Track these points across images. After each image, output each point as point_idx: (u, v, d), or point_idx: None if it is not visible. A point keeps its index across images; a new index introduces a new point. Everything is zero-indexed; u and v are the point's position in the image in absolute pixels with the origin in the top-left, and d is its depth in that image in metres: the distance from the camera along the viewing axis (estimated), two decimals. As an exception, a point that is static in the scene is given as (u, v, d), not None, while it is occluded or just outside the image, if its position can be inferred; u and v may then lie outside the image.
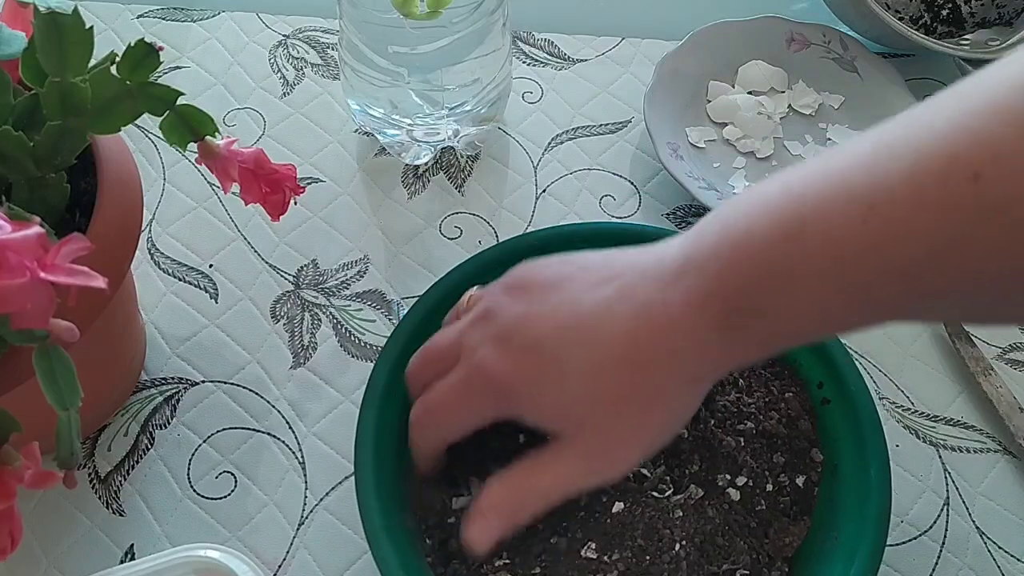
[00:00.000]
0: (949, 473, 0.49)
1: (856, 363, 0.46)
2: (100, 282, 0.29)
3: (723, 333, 0.32)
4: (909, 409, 0.51)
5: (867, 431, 0.42)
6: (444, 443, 0.40)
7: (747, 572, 0.41)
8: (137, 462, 0.48)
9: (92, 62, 0.36)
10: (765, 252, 0.30)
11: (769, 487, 0.42)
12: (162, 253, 0.55)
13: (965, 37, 0.64)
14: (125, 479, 0.47)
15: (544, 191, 0.58)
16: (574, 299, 0.35)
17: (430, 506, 0.42)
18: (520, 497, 0.36)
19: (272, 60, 0.63)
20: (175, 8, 0.65)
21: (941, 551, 0.46)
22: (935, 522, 0.47)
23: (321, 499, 0.47)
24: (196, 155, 0.40)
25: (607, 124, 0.61)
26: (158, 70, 0.37)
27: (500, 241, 0.54)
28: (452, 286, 0.46)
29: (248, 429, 0.49)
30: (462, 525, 0.37)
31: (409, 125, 0.55)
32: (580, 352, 0.34)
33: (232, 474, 0.48)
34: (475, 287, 0.42)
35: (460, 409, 0.37)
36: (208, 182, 0.57)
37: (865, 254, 0.28)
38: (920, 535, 0.47)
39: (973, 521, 0.47)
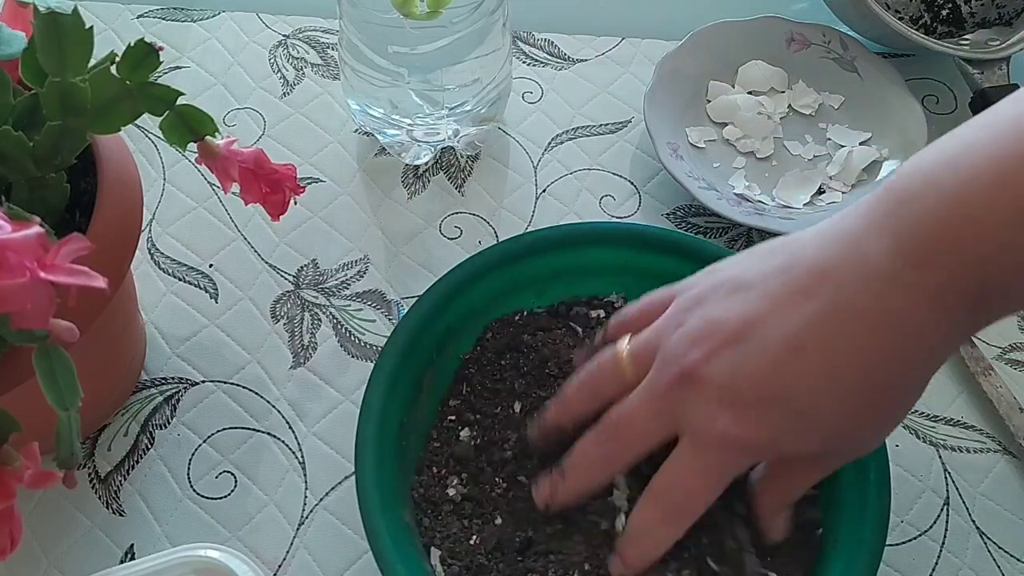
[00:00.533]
0: (949, 473, 0.49)
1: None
2: (100, 282, 0.29)
3: (969, 319, 0.30)
4: (909, 409, 0.51)
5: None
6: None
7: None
8: (137, 462, 0.48)
9: (92, 62, 0.36)
10: (1008, 228, 0.28)
11: None
12: (162, 253, 0.55)
13: (965, 37, 0.64)
14: (125, 479, 0.47)
15: (544, 191, 0.58)
16: (778, 328, 0.33)
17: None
18: (785, 494, 0.38)
19: (272, 60, 0.63)
20: (175, 8, 0.65)
21: (941, 551, 0.46)
22: (935, 522, 0.47)
23: (321, 499, 0.47)
24: (196, 155, 0.40)
25: (607, 124, 0.61)
26: (158, 70, 0.37)
27: (500, 240, 0.54)
28: (455, 285, 0.46)
29: (248, 429, 0.49)
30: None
31: (409, 125, 0.55)
32: (817, 385, 0.32)
33: (232, 474, 0.48)
34: (624, 340, 0.39)
35: (711, 487, 0.35)
36: (208, 182, 0.57)
37: None
38: (920, 535, 0.47)
39: (973, 521, 0.47)
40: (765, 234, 0.56)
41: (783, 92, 0.62)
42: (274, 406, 0.50)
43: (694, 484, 0.35)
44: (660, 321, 0.37)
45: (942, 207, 0.29)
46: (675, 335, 0.35)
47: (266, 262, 0.54)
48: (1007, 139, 0.28)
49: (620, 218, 0.57)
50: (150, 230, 0.55)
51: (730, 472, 0.35)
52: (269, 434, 0.49)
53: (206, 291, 0.53)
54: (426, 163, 0.58)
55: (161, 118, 0.38)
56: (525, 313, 0.49)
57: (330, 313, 0.53)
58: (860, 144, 0.59)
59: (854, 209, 0.33)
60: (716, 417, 0.34)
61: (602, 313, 0.49)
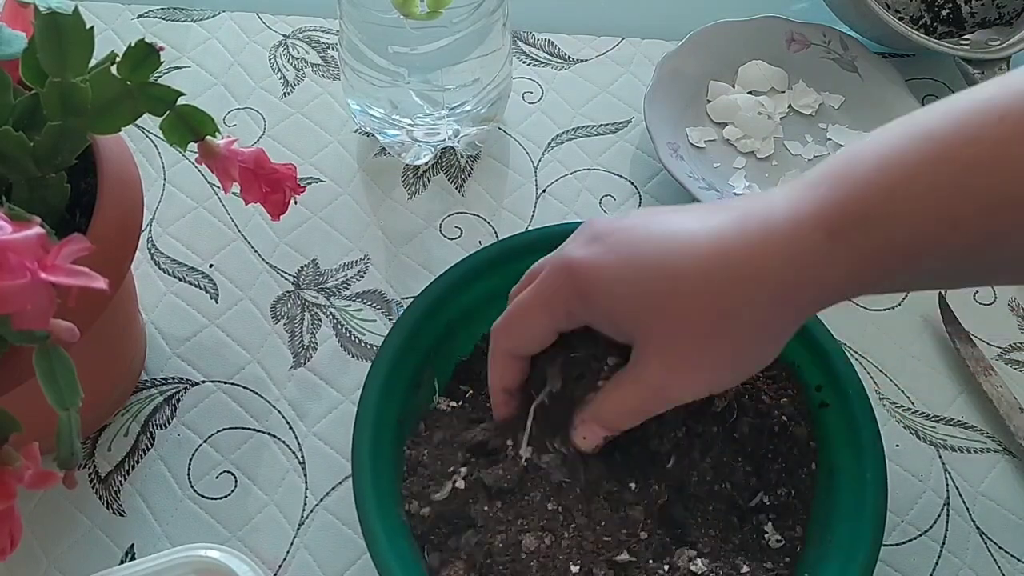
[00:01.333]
0: (949, 473, 0.49)
1: (856, 364, 0.46)
2: (100, 282, 0.29)
3: (827, 244, 0.30)
4: (909, 409, 0.51)
5: (864, 434, 0.42)
6: (514, 351, 0.39)
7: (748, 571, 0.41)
8: (137, 462, 0.48)
9: (92, 62, 0.36)
10: (884, 159, 0.29)
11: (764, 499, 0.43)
12: (162, 253, 0.55)
13: (965, 37, 0.64)
14: (125, 479, 0.47)
15: (544, 191, 0.58)
16: (680, 214, 0.34)
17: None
18: (606, 410, 0.37)
19: (272, 60, 0.63)
20: (175, 8, 0.65)
21: (941, 551, 0.46)
22: (935, 522, 0.47)
23: (321, 499, 0.47)
24: (196, 155, 0.40)
25: (607, 124, 0.61)
26: (158, 70, 0.37)
27: (500, 239, 0.54)
28: (453, 283, 0.46)
29: (248, 429, 0.49)
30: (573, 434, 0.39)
31: (409, 125, 0.55)
32: (670, 252, 0.33)
33: (232, 474, 0.48)
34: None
35: (537, 309, 0.36)
36: (208, 182, 0.57)
37: (1000, 155, 0.27)
38: (920, 535, 0.47)
39: (973, 521, 0.47)
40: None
41: (783, 92, 0.62)
42: (274, 406, 0.50)
43: (525, 300, 0.37)
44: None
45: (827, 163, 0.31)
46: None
47: (266, 262, 0.54)
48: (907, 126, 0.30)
49: (620, 218, 0.57)
50: (150, 230, 0.55)
51: (554, 301, 0.36)
52: (269, 434, 0.49)
53: (206, 291, 0.53)
54: (426, 163, 0.58)
55: (161, 118, 0.38)
56: None
57: (330, 313, 0.53)
58: (860, 144, 0.59)
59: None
60: (574, 243, 0.36)
61: None
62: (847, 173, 0.30)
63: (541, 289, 0.36)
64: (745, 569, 0.40)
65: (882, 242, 0.30)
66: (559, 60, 0.64)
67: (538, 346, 0.38)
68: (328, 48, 0.64)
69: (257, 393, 0.50)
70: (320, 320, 0.53)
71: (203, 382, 0.50)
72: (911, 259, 0.30)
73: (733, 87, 0.62)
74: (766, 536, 0.42)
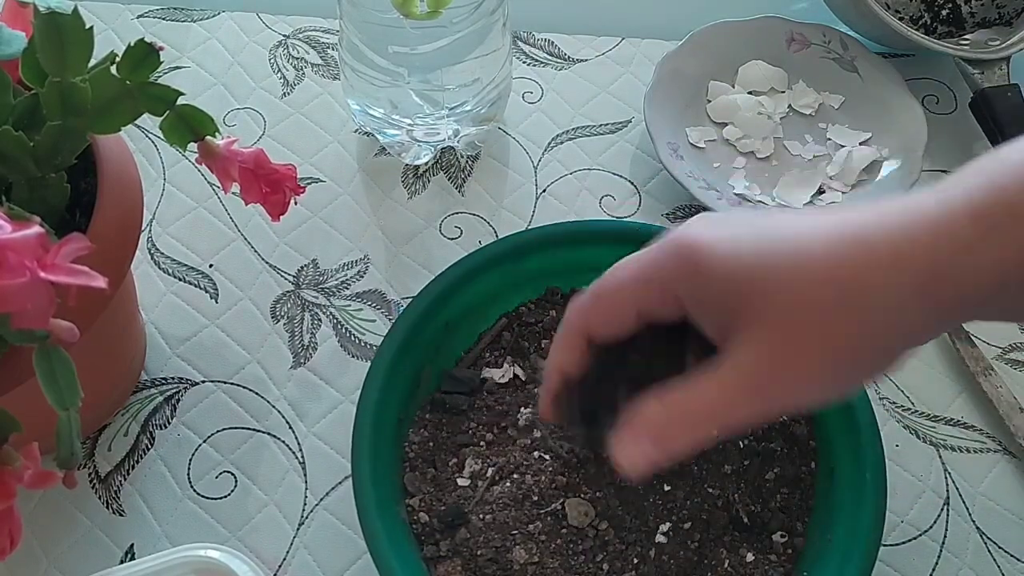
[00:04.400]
0: (949, 473, 0.49)
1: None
2: (100, 282, 0.29)
3: (977, 232, 0.27)
4: (909, 409, 0.51)
5: (864, 435, 0.42)
6: (591, 330, 0.34)
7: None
8: (137, 462, 0.48)
9: (92, 62, 0.36)
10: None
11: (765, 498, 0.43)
12: (162, 253, 0.55)
13: (965, 37, 0.64)
14: (125, 479, 0.47)
15: (544, 191, 0.58)
16: (794, 214, 0.31)
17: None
18: (674, 420, 0.30)
19: (272, 60, 0.63)
20: (175, 8, 0.65)
21: (941, 551, 0.46)
22: (935, 522, 0.47)
23: (321, 499, 0.47)
24: (196, 155, 0.40)
25: (607, 124, 0.61)
26: (158, 70, 0.37)
27: (499, 237, 0.54)
28: (452, 282, 0.46)
29: (248, 429, 0.49)
30: (613, 443, 0.32)
31: (409, 125, 0.55)
32: (793, 230, 0.29)
33: (232, 474, 0.48)
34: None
35: (633, 283, 0.32)
36: (208, 182, 0.57)
37: None
38: (920, 535, 0.47)
39: (973, 521, 0.47)
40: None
41: (783, 92, 0.62)
42: (274, 406, 0.50)
43: (623, 267, 0.33)
44: None
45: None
46: None
47: (266, 262, 0.54)
48: None
49: (620, 218, 0.57)
50: (150, 230, 0.55)
51: (653, 271, 0.32)
52: (269, 434, 0.49)
53: (206, 291, 0.53)
54: (426, 163, 0.58)
55: (161, 118, 0.38)
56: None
57: (330, 313, 0.53)
58: (860, 144, 0.59)
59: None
60: (685, 226, 0.32)
61: None
62: (997, 168, 0.28)
63: (643, 263, 0.32)
64: (751, 558, 0.41)
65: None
66: (559, 60, 0.64)
67: (618, 329, 0.33)
68: (328, 48, 0.64)
69: (257, 393, 0.50)
70: (320, 320, 0.53)
71: (203, 382, 0.50)
72: None
73: (733, 87, 0.62)
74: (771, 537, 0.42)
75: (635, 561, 0.40)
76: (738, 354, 0.29)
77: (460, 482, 0.43)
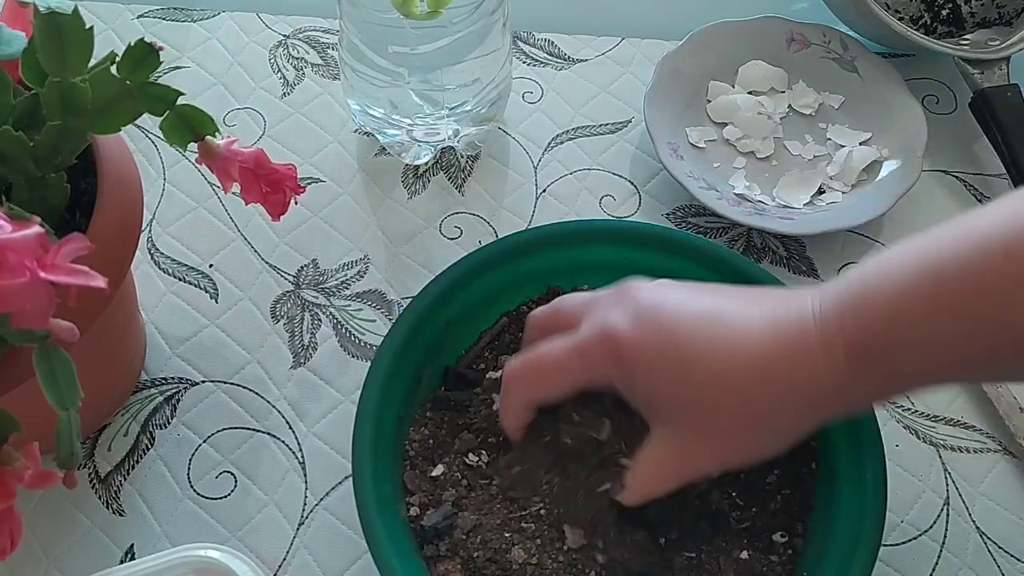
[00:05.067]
0: (949, 473, 0.49)
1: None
2: (100, 282, 0.29)
3: (852, 371, 0.34)
4: (909, 409, 0.51)
5: (864, 434, 0.42)
6: (535, 401, 0.40)
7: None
8: (137, 462, 0.48)
9: (92, 62, 0.36)
10: (899, 296, 0.33)
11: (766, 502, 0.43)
12: (162, 253, 0.55)
13: (965, 37, 0.64)
14: (125, 479, 0.47)
15: (544, 191, 0.58)
16: (716, 304, 0.37)
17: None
18: (636, 489, 0.39)
19: (272, 60, 0.63)
20: (175, 8, 0.65)
21: (941, 551, 0.46)
22: (935, 522, 0.47)
23: (321, 499, 0.47)
24: (196, 155, 0.40)
25: (607, 124, 0.61)
26: (158, 70, 0.37)
27: (499, 237, 0.54)
28: (452, 282, 0.46)
29: (248, 429, 0.49)
30: None
31: (409, 125, 0.55)
32: (712, 349, 0.36)
33: (232, 474, 0.48)
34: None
35: (570, 365, 0.38)
36: (208, 182, 0.57)
37: (1005, 293, 0.31)
38: (920, 535, 0.47)
39: (973, 521, 0.47)
40: (765, 234, 0.56)
41: (783, 92, 0.62)
42: (274, 406, 0.50)
43: (559, 352, 0.39)
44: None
45: (855, 278, 0.35)
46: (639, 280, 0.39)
47: (266, 262, 0.54)
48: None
49: (620, 218, 0.57)
50: (150, 230, 0.55)
51: (589, 364, 0.38)
52: (269, 434, 0.49)
53: (206, 291, 0.53)
54: (426, 163, 0.58)
55: (161, 118, 0.38)
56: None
57: (330, 313, 0.53)
58: (860, 144, 0.59)
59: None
60: (617, 313, 0.37)
61: None
62: (867, 306, 0.34)
63: (581, 349, 0.38)
64: (744, 555, 0.41)
65: (898, 369, 0.34)
66: (559, 60, 0.64)
67: (561, 398, 0.40)
68: (328, 48, 0.64)
69: (257, 393, 0.50)
70: (320, 320, 0.53)
71: (203, 382, 0.50)
72: (924, 377, 0.35)
73: (733, 87, 0.62)
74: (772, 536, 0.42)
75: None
76: (659, 444, 0.38)
77: (460, 480, 0.43)
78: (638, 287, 0.38)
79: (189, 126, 0.39)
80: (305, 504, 0.47)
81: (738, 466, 0.39)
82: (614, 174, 0.59)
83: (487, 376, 0.46)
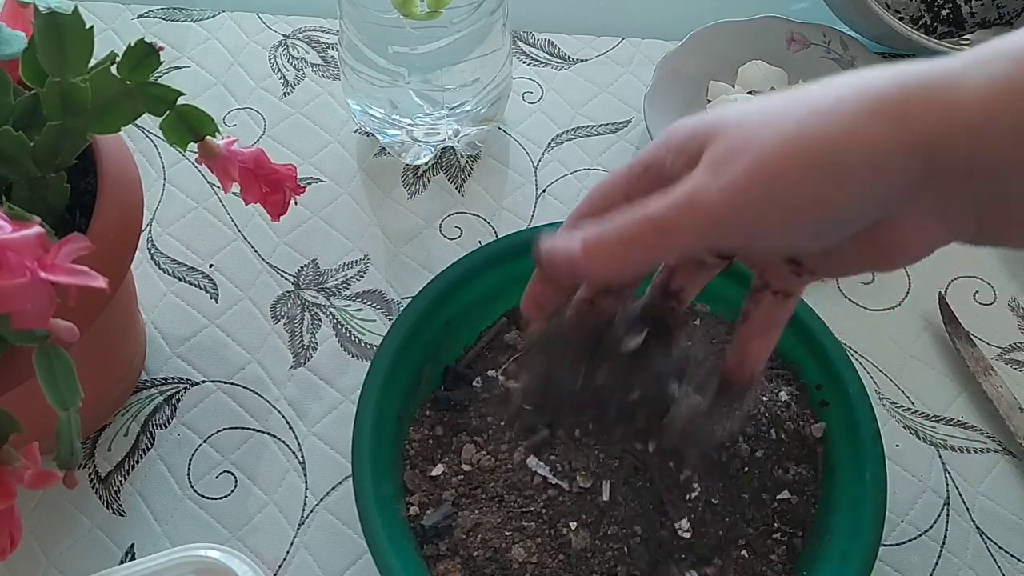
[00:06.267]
0: (949, 473, 0.49)
1: (856, 364, 0.46)
2: (100, 282, 0.29)
3: (915, 180, 0.27)
4: (909, 409, 0.51)
5: (864, 434, 0.42)
6: (610, 280, 0.33)
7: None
8: (137, 462, 0.48)
9: (92, 62, 0.36)
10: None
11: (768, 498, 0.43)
12: (162, 253, 0.55)
13: (965, 37, 0.64)
14: (125, 479, 0.47)
15: (544, 191, 0.58)
16: (800, 101, 0.29)
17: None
18: (611, 230, 0.30)
19: (272, 60, 0.63)
20: (175, 8, 0.65)
21: (941, 551, 0.46)
22: (935, 522, 0.47)
23: (321, 499, 0.47)
24: (196, 155, 0.40)
25: (607, 124, 0.61)
26: (158, 70, 0.37)
27: (499, 237, 0.54)
28: (452, 281, 0.47)
29: (248, 429, 0.49)
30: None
31: (409, 125, 0.55)
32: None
33: (232, 474, 0.48)
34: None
35: (657, 242, 0.30)
36: (208, 182, 0.57)
37: None
38: (920, 535, 0.47)
39: (973, 521, 0.47)
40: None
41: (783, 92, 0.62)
42: (274, 406, 0.50)
43: (643, 227, 0.30)
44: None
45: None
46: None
47: (266, 262, 0.54)
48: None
49: (620, 218, 0.57)
50: (150, 230, 0.55)
51: (680, 239, 0.30)
52: (269, 434, 0.49)
53: (206, 291, 0.53)
54: (426, 163, 0.58)
55: (161, 118, 0.38)
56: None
57: (330, 313, 0.53)
58: (860, 144, 0.59)
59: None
60: (697, 170, 0.30)
61: None
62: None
63: (667, 222, 0.30)
64: (744, 555, 0.41)
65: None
66: (559, 60, 0.64)
67: (629, 282, 0.34)
68: (328, 48, 0.64)
69: (257, 393, 0.50)
70: (320, 320, 0.53)
71: (203, 382, 0.50)
72: None
73: (733, 87, 0.62)
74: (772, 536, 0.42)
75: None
76: (695, 173, 0.30)
77: (460, 479, 0.43)
78: (724, 122, 0.30)
79: (189, 126, 0.39)
80: (305, 504, 0.47)
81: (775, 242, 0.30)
82: (614, 174, 0.59)
83: (487, 373, 0.46)
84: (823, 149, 0.28)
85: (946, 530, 0.47)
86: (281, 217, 0.43)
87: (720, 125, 0.30)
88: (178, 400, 0.50)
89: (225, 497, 0.47)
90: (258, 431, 0.49)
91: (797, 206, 0.29)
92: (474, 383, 0.46)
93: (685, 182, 0.30)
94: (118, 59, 0.36)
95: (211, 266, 0.54)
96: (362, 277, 0.54)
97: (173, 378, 0.50)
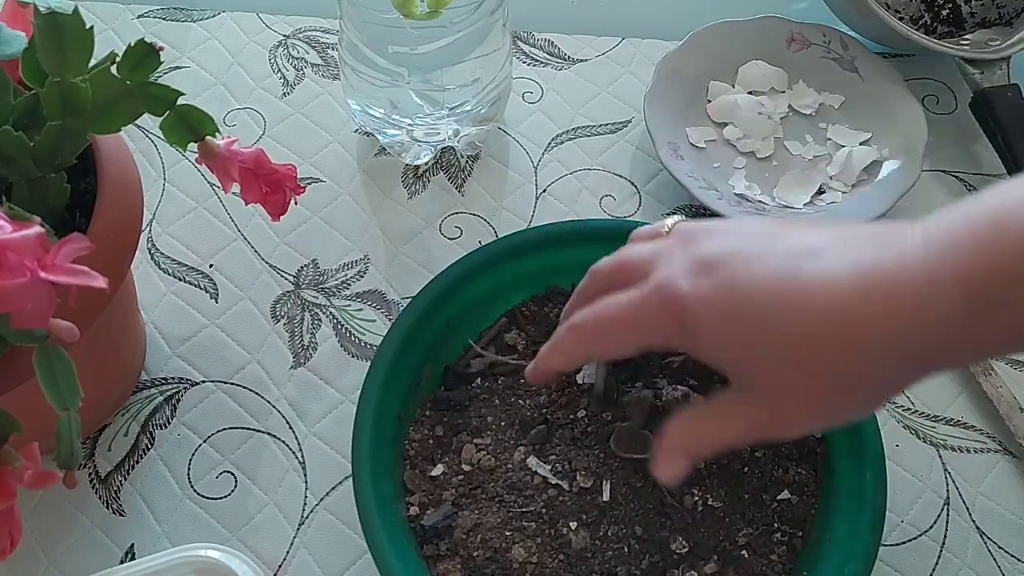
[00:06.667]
0: (949, 473, 0.49)
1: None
2: (100, 282, 0.29)
3: (966, 318, 0.29)
4: (909, 409, 0.51)
5: (864, 434, 0.42)
6: (590, 358, 0.38)
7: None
8: (137, 462, 0.48)
9: (92, 62, 0.36)
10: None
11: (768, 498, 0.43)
12: (162, 253, 0.55)
13: (965, 37, 0.64)
14: (125, 479, 0.47)
15: (544, 191, 0.58)
16: (792, 247, 0.32)
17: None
18: (695, 440, 0.35)
19: (272, 60, 0.63)
20: (175, 8, 0.65)
21: (941, 551, 0.46)
22: (935, 522, 0.47)
23: (321, 499, 0.47)
24: (196, 155, 0.40)
25: (607, 124, 0.61)
26: (158, 70, 0.37)
27: (499, 237, 0.54)
28: (452, 281, 0.47)
29: (248, 429, 0.49)
30: (654, 467, 0.36)
31: (409, 125, 0.55)
32: (791, 314, 0.31)
33: (232, 474, 0.48)
34: (678, 216, 0.38)
35: (631, 327, 0.35)
36: (208, 182, 0.57)
37: None
38: (920, 535, 0.47)
39: (973, 521, 0.47)
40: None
41: (783, 92, 0.62)
42: (274, 406, 0.50)
43: (620, 311, 0.35)
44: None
45: (960, 212, 0.30)
46: (706, 220, 0.35)
47: (266, 262, 0.54)
48: None
49: (620, 218, 0.57)
50: (150, 230, 0.55)
51: (653, 328, 0.34)
52: (269, 434, 0.49)
53: (206, 291, 0.53)
54: (426, 163, 0.58)
55: (161, 118, 0.38)
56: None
57: (330, 313, 0.53)
58: (860, 144, 0.59)
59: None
60: (682, 269, 0.33)
61: None
62: (993, 237, 0.28)
63: (639, 313, 0.34)
64: (744, 555, 0.41)
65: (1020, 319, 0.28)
66: (559, 60, 0.64)
67: (617, 358, 0.38)
68: (328, 48, 0.64)
69: (257, 393, 0.50)
70: (320, 320, 0.53)
71: (203, 382, 0.50)
72: None
73: (733, 87, 0.62)
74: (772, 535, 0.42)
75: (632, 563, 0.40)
76: (745, 404, 0.34)
77: (460, 479, 0.43)
78: (705, 231, 0.34)
79: (189, 126, 0.39)
80: (305, 504, 0.47)
81: (836, 423, 0.35)
82: (614, 174, 0.59)
83: (483, 356, 0.47)
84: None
85: (946, 530, 0.47)
86: (281, 217, 0.43)
87: (763, 357, 0.33)
88: (178, 400, 0.50)
89: (225, 497, 0.47)
90: (258, 431, 0.49)
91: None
92: (474, 384, 0.46)
93: None
94: (118, 59, 0.36)
95: (211, 266, 0.54)
96: (362, 277, 0.54)
97: (173, 378, 0.50)
